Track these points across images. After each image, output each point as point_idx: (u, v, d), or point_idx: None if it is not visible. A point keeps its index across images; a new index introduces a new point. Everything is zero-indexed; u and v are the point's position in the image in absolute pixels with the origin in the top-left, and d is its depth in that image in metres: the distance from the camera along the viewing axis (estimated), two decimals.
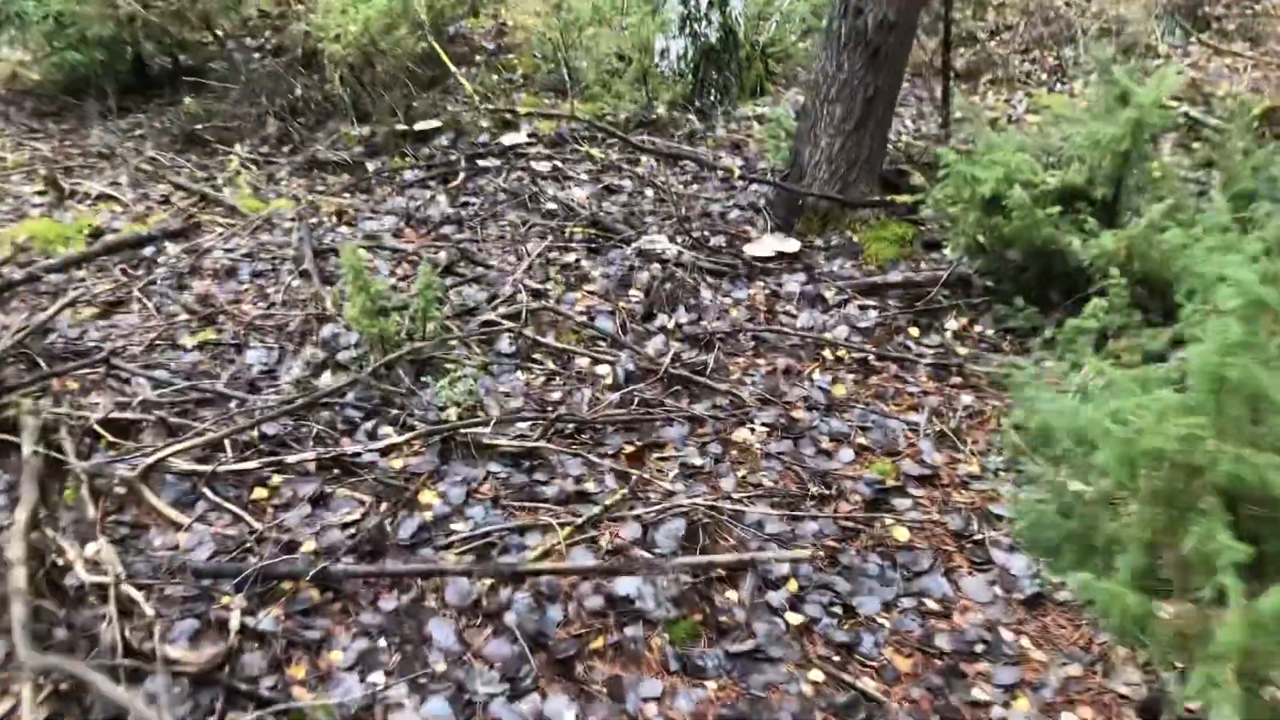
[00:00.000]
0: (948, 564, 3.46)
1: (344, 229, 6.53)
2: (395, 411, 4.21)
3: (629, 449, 4.01)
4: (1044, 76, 9.11)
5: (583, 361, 4.78)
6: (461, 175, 7.25)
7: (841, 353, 4.77)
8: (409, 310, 4.63)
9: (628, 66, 8.26)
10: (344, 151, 7.84)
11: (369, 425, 4.14)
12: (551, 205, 6.64)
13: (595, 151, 7.46)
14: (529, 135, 7.81)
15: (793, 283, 5.49)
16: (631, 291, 5.41)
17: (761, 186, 6.49)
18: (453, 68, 8.28)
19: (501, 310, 5.16)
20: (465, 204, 6.91)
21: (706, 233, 6.06)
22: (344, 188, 7.25)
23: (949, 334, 4.96)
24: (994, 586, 3.37)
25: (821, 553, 3.46)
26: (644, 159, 7.39)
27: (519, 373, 4.70)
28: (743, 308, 5.27)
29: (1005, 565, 3.44)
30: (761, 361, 4.79)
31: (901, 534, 3.58)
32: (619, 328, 5.05)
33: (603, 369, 4.69)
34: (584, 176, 7.14)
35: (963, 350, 4.82)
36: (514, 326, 4.94)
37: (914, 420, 4.22)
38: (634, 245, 5.85)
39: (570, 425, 4.17)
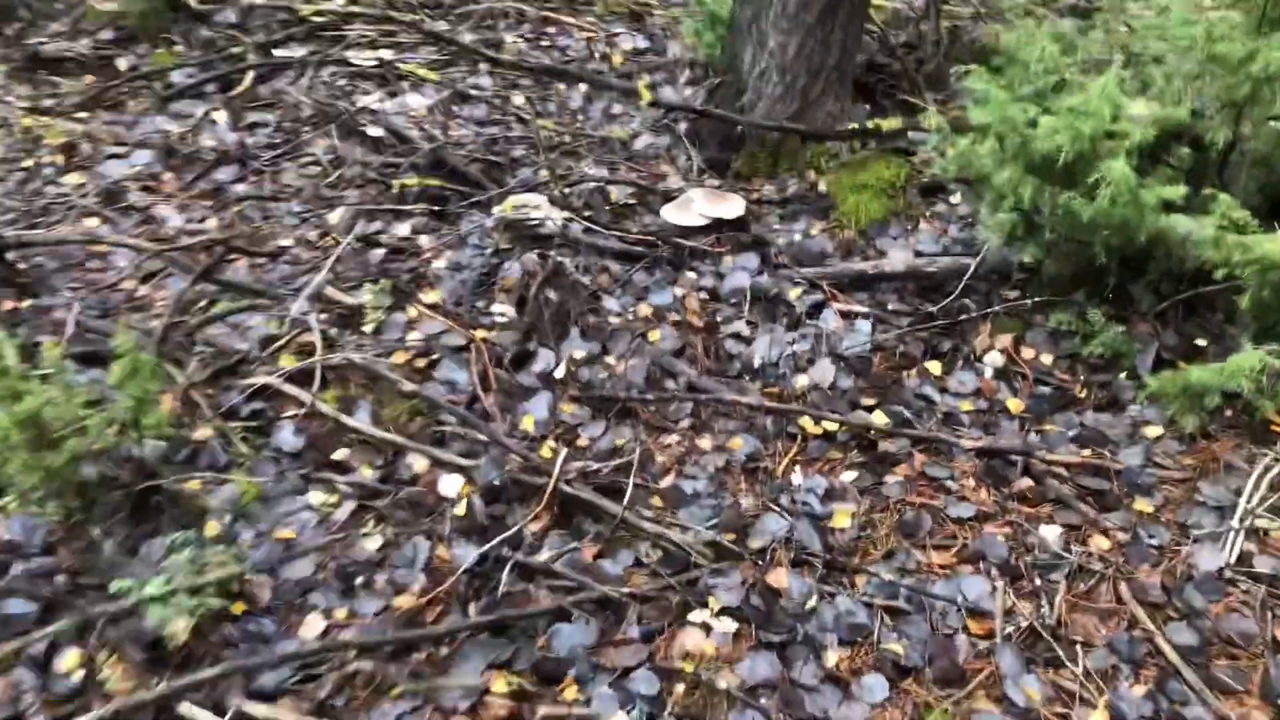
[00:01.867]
0: None
1: (72, 177, 4.39)
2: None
3: (496, 705, 2.24)
4: None
5: (419, 463, 2.92)
6: (251, 77, 5.07)
7: (830, 424, 2.98)
8: (109, 415, 2.67)
9: None
10: (85, 39, 5.54)
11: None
12: (377, 130, 4.56)
13: (440, 26, 5.31)
14: (345, 1, 5.60)
15: (739, 273, 3.63)
16: (496, 305, 3.49)
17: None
18: None
19: (287, 358, 3.23)
20: (255, 126, 4.78)
21: (603, 180, 4.10)
22: (81, 101, 5.01)
23: (989, 370, 3.19)
24: None
25: None
26: (510, 38, 5.29)
27: (309, 494, 2.83)
28: (667, 326, 3.41)
29: None
30: (705, 444, 2.99)
31: None
32: (477, 382, 3.17)
33: (450, 483, 2.85)
34: (424, 76, 5.02)
35: (1017, 404, 3.06)
36: (304, 399, 3.04)
37: (975, 590, 2.50)
38: (498, 211, 3.88)
39: (383, 645, 2.37)
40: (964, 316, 3.36)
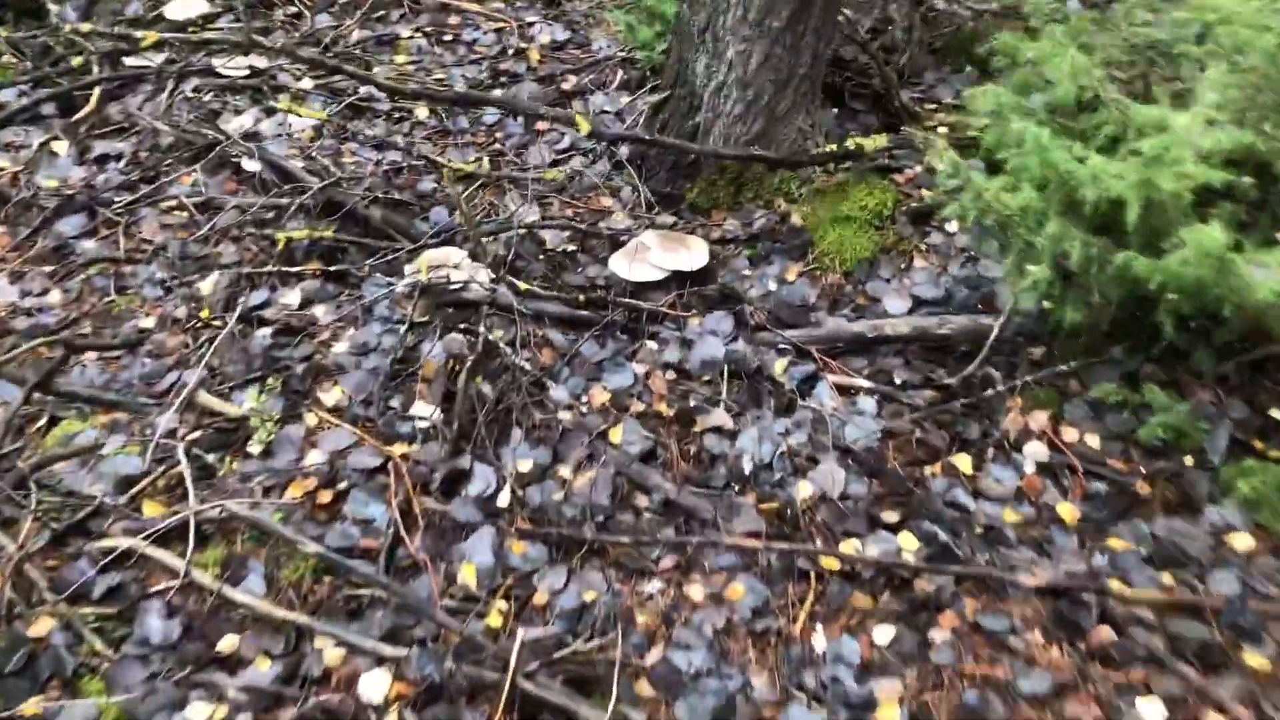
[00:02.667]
0: None
1: None
2: None
3: None
4: None
5: (330, 652, 2.26)
6: (98, 93, 4.23)
7: (849, 550, 2.39)
8: None
9: None
10: None
11: None
12: (253, 164, 3.78)
13: (323, 21, 4.51)
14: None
15: (709, 339, 2.99)
16: (417, 406, 2.81)
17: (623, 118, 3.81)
18: None
19: (152, 505, 2.53)
20: (104, 159, 3.97)
21: (534, 225, 3.41)
22: None
23: (1029, 464, 2.62)
24: None
25: None
26: (406, 33, 4.52)
27: (190, 708, 2.16)
28: (630, 421, 2.77)
29: None
30: (696, 592, 2.38)
31: None
32: (399, 519, 2.50)
33: (374, 682, 2.20)
34: (309, 85, 4.24)
35: (1070, 511, 2.50)
36: (176, 567, 2.35)
37: None
38: (410, 271, 3.18)
39: None
40: (989, 391, 2.77)
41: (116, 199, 3.74)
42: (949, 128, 3.61)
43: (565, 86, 4.17)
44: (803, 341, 2.96)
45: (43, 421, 2.83)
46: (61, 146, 4.04)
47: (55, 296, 3.36)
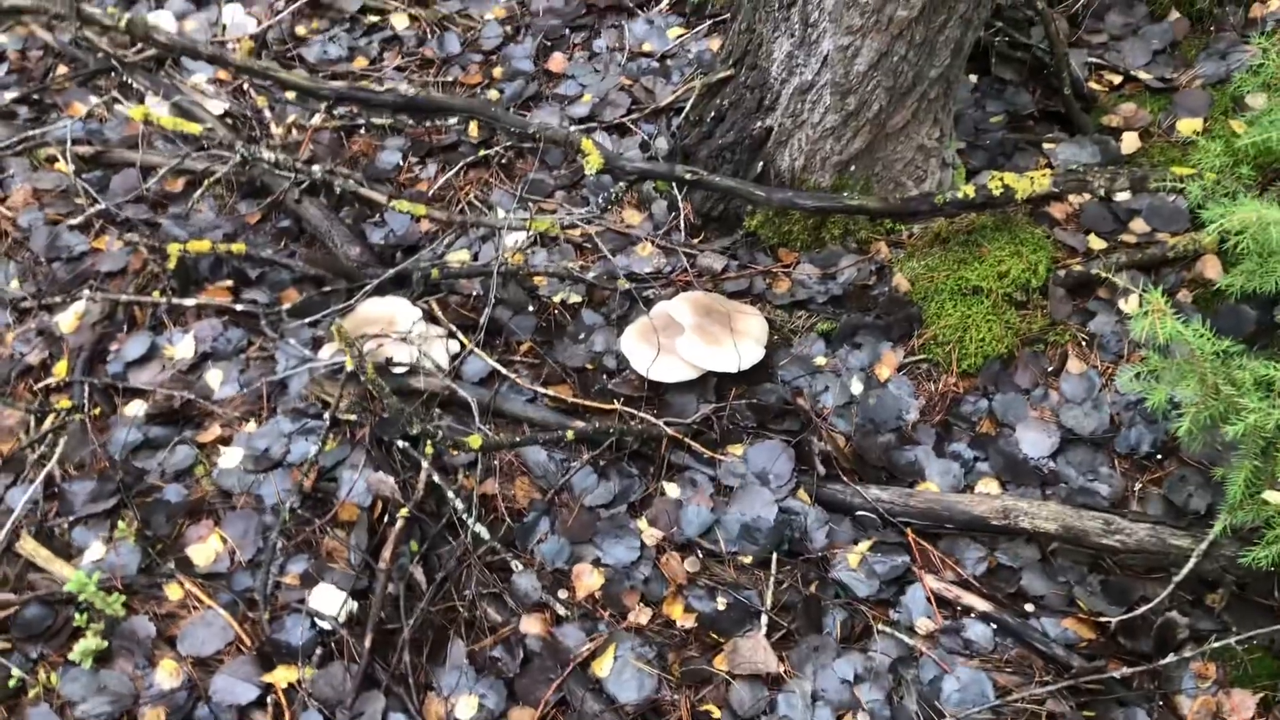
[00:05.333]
0: None
1: None
2: None
3: None
4: None
5: None
6: None
7: None
8: None
9: None
10: None
11: None
12: (158, 101, 2.79)
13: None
14: None
15: (753, 492, 2.07)
16: (319, 592, 1.95)
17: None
18: None
19: None
20: None
21: (520, 266, 2.41)
22: None
23: None
24: None
25: None
26: None
27: None
28: (627, 643, 1.89)
29: None
30: None
31: None
32: None
33: None
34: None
35: None
36: None
37: None
38: (338, 335, 2.23)
39: None
40: (1167, 654, 1.82)
41: None
42: (1140, 133, 2.47)
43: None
44: (893, 511, 2.01)
45: None
46: None
47: None
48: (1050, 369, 2.22)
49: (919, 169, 2.28)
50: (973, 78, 2.63)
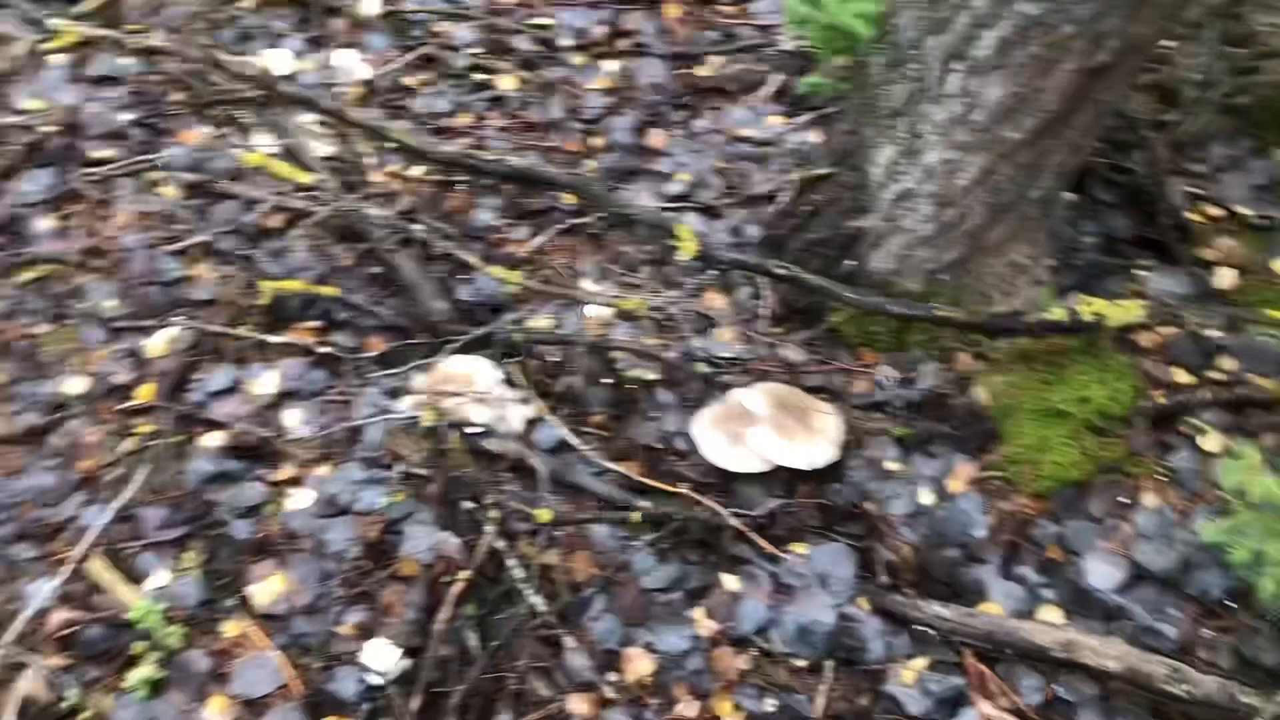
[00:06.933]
0: None
1: None
2: None
3: None
4: None
5: None
6: None
7: None
8: None
9: None
10: None
11: None
12: (268, 140, 2.87)
13: None
14: None
15: (814, 596, 2.08)
16: (373, 646, 1.98)
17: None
18: None
19: None
20: (103, 82, 3.12)
21: (598, 338, 2.44)
22: None
23: None
24: None
25: None
26: None
27: None
28: None
29: None
30: None
31: None
32: None
33: None
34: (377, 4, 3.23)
35: None
36: None
37: None
38: (417, 389, 2.27)
39: None
40: None
41: (98, 153, 2.87)
42: (1237, 269, 2.44)
43: (701, 73, 3.06)
44: (953, 630, 1.98)
45: None
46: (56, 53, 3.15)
47: None
48: (1125, 500, 2.19)
49: (1009, 284, 2.28)
50: (1070, 196, 2.62)
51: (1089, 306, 2.15)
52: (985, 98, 1.91)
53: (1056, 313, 2.14)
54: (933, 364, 2.35)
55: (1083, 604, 2.06)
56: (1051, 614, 2.05)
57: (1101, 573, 2.09)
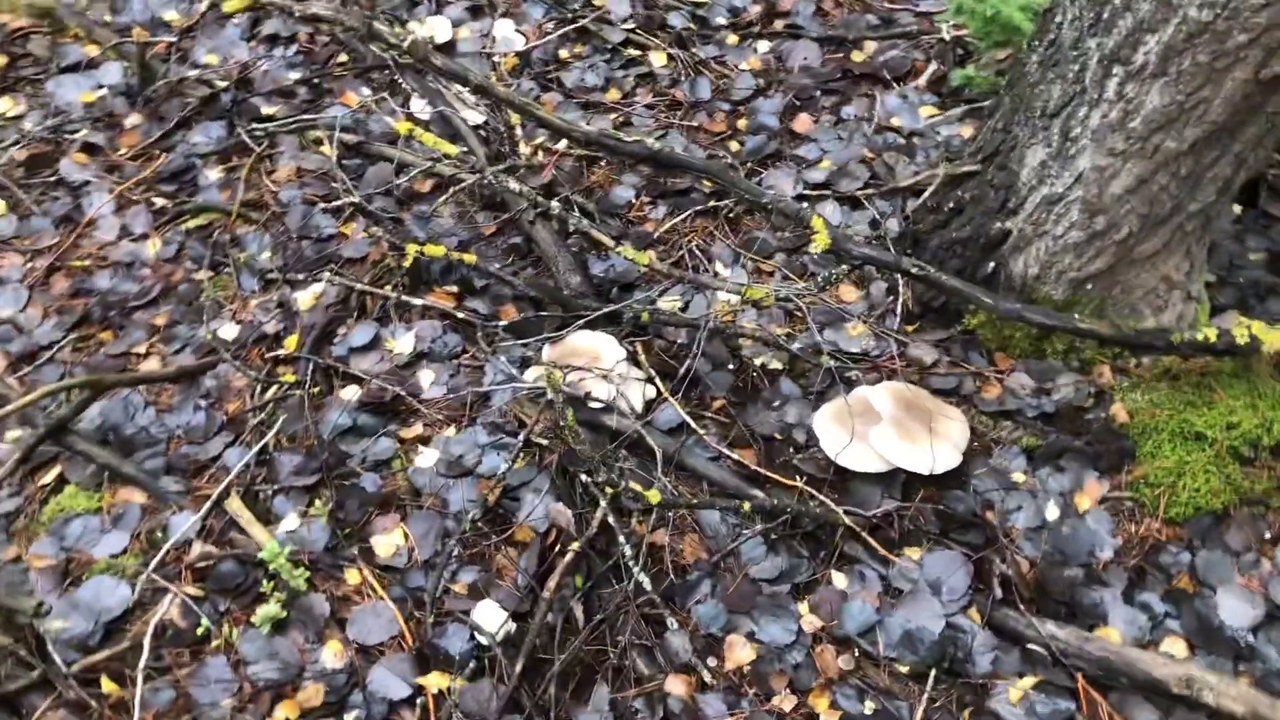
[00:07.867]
0: None
1: None
2: None
3: None
4: None
5: None
6: None
7: None
8: None
9: None
10: None
11: None
12: (422, 105, 2.95)
13: None
14: None
15: (923, 601, 2.04)
16: (483, 607, 2.04)
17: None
18: None
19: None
20: (274, 40, 3.29)
21: (726, 324, 2.43)
22: None
23: None
24: None
25: None
26: None
27: None
28: None
29: None
30: None
31: None
32: None
33: None
34: None
35: None
36: None
37: None
38: (543, 360, 2.32)
39: None
40: None
41: (266, 109, 3.01)
42: None
43: (856, 58, 3.00)
44: (1066, 652, 1.93)
45: (49, 480, 2.24)
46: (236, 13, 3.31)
47: (149, 250, 2.71)
48: (1268, 536, 2.08)
49: (1160, 299, 2.17)
50: (1236, 208, 2.49)
51: (1244, 329, 2.03)
52: (1145, 105, 1.82)
53: (1208, 332, 2.03)
54: (1071, 375, 2.27)
55: (1210, 639, 1.97)
56: (1175, 646, 1.97)
57: (1234, 609, 2.00)
